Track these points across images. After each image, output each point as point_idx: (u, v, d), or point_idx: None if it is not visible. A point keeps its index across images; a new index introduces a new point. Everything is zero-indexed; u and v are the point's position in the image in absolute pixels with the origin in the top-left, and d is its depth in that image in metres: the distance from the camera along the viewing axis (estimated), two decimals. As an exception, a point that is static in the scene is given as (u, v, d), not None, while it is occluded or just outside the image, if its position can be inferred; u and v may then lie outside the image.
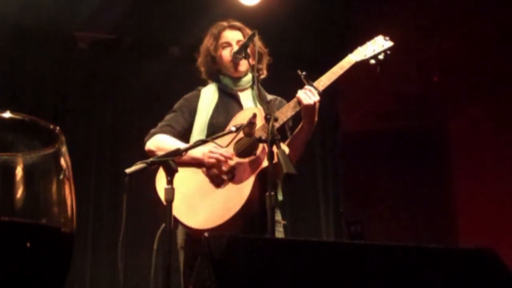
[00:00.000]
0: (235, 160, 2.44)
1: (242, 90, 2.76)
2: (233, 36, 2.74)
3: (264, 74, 2.77)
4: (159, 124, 2.65)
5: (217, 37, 2.75)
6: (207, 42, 2.78)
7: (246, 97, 2.73)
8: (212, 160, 2.41)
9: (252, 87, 2.76)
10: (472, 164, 6.27)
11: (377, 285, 1.14)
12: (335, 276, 1.11)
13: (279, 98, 2.75)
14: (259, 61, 2.61)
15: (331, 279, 1.10)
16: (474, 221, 6.07)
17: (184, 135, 2.61)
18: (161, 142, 2.54)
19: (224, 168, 2.41)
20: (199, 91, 2.76)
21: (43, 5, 4.31)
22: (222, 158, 2.40)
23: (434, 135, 6.78)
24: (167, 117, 2.68)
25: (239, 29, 2.77)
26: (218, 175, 2.41)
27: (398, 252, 1.25)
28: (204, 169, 2.44)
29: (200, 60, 2.84)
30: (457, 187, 6.57)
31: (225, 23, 2.78)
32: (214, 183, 2.41)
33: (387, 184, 6.66)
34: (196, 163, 2.45)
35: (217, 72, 2.79)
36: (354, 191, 6.06)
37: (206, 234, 1.04)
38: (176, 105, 2.73)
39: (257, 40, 2.43)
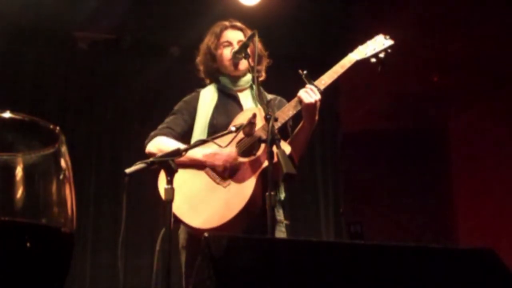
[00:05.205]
0: (237, 159, 2.45)
1: (241, 90, 2.76)
2: (234, 36, 2.74)
3: (263, 76, 2.77)
4: (159, 127, 2.65)
5: (218, 35, 2.75)
6: (208, 40, 2.79)
7: (246, 97, 2.74)
8: (218, 163, 2.42)
9: (251, 87, 2.76)
10: (472, 164, 6.27)
11: (377, 285, 1.14)
12: (335, 276, 1.11)
13: (278, 98, 2.76)
14: (259, 63, 2.61)
15: (331, 279, 1.10)
16: (474, 221, 6.07)
17: (184, 137, 2.60)
18: (161, 144, 2.54)
19: (228, 165, 2.42)
20: (198, 92, 2.76)
21: (43, 5, 4.32)
22: (229, 160, 2.41)
23: (434, 135, 6.78)
24: (167, 119, 2.69)
25: (240, 29, 2.77)
26: (222, 171, 2.42)
27: (398, 252, 1.25)
28: (207, 168, 2.45)
29: (199, 58, 2.84)
30: (457, 187, 6.57)
31: (227, 23, 2.79)
32: (216, 181, 2.41)
33: (387, 184, 6.66)
34: (197, 164, 2.45)
35: (215, 71, 2.79)
36: (354, 191, 6.07)
37: (206, 234, 1.04)
38: (176, 108, 2.73)
39: (256, 41, 2.43)
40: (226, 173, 2.43)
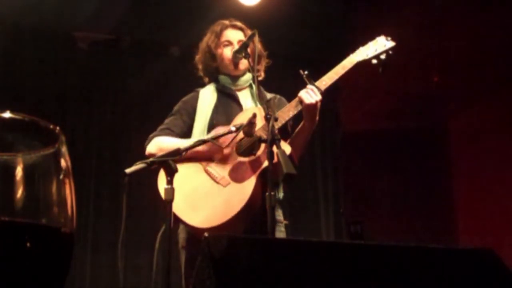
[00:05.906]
0: (237, 159, 2.44)
1: (240, 90, 2.76)
2: (234, 36, 2.75)
3: (261, 76, 2.77)
4: (158, 128, 2.65)
5: (218, 35, 2.75)
6: (208, 39, 2.79)
7: (245, 97, 2.74)
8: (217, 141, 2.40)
9: (250, 86, 2.77)
10: (473, 164, 6.27)
11: (377, 285, 1.14)
12: (335, 276, 1.11)
13: (278, 96, 2.76)
14: (258, 62, 2.61)
15: (331, 279, 1.10)
16: (474, 221, 6.07)
17: (184, 137, 2.60)
18: (161, 143, 2.54)
19: (226, 151, 2.42)
20: (197, 92, 2.76)
21: (43, 5, 4.32)
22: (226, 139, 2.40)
23: (434, 134, 6.78)
24: (166, 120, 2.69)
25: (240, 29, 2.78)
26: (221, 158, 2.42)
27: (398, 252, 1.25)
28: (207, 167, 2.45)
29: (198, 57, 2.84)
30: (457, 186, 6.57)
31: (227, 22, 2.79)
32: (216, 180, 2.41)
33: (387, 184, 6.65)
34: (198, 159, 2.45)
35: (215, 70, 2.79)
36: (354, 191, 6.06)
37: (206, 234, 1.04)
38: (175, 108, 2.73)
39: (256, 40, 2.44)
40: (222, 160, 2.42)
